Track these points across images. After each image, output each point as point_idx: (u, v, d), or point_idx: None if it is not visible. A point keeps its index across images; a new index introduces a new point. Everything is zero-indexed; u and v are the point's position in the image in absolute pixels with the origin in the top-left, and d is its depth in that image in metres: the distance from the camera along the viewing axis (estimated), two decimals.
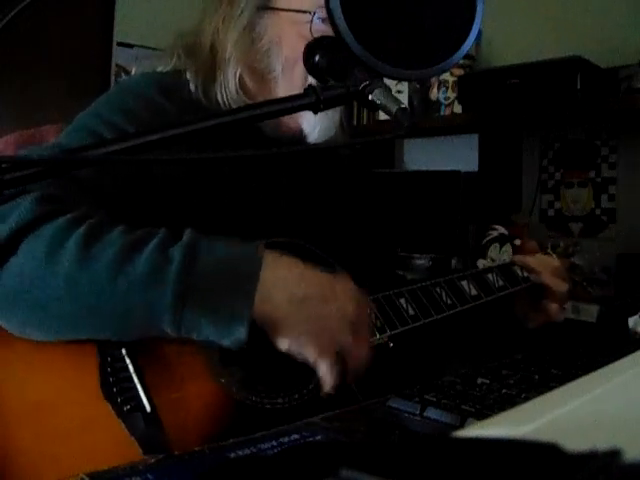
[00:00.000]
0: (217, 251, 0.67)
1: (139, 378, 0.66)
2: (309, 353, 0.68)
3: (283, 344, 0.68)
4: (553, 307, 1.05)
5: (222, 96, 0.88)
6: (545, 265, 1.08)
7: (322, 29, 0.84)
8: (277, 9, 0.87)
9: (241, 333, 0.64)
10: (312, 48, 0.73)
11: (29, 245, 0.63)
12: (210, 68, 0.89)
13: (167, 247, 0.65)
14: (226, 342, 0.65)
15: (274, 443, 0.55)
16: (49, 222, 0.65)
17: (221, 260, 0.66)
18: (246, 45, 0.88)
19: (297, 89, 0.86)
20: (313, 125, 0.90)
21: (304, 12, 0.84)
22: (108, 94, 0.88)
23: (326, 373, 0.68)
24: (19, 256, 0.63)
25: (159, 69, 0.94)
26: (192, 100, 0.88)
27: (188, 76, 0.89)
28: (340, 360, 0.69)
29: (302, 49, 0.83)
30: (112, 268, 0.63)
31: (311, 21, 0.84)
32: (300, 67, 0.85)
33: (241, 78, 0.89)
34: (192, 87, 0.89)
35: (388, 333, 0.79)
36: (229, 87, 0.88)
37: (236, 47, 0.88)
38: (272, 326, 0.67)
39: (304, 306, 0.68)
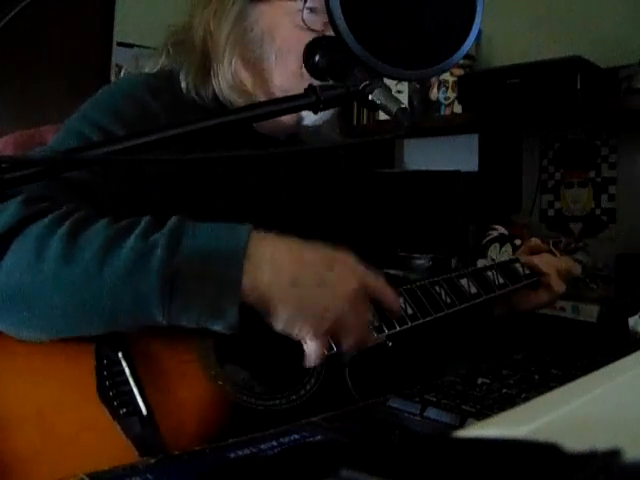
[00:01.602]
0: (202, 233, 0.66)
1: (135, 381, 0.66)
2: (302, 334, 0.67)
3: (277, 325, 0.67)
4: (546, 299, 1.07)
5: (219, 88, 0.88)
6: (551, 266, 1.08)
7: (314, 18, 0.84)
8: None
9: (232, 316, 0.63)
10: (312, 48, 0.73)
11: (17, 246, 0.63)
12: (202, 62, 0.89)
13: (151, 234, 0.64)
14: (218, 326, 0.64)
15: (274, 443, 0.55)
16: (36, 222, 0.65)
17: (206, 242, 0.65)
18: (239, 35, 0.88)
19: (291, 78, 0.86)
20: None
21: (295, 0, 0.84)
22: (95, 96, 0.88)
23: (312, 352, 0.68)
24: (8, 257, 0.63)
25: (146, 70, 0.94)
26: (181, 99, 0.88)
27: (181, 76, 0.89)
28: (335, 338, 0.69)
29: (295, 38, 0.84)
30: (97, 260, 0.62)
31: (303, 9, 0.84)
32: (294, 56, 0.85)
33: (236, 68, 0.89)
34: (183, 85, 0.88)
35: (386, 332, 0.78)
36: (226, 77, 0.88)
37: (229, 37, 0.88)
38: (263, 307, 0.66)
39: (296, 285, 0.66)
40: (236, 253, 0.64)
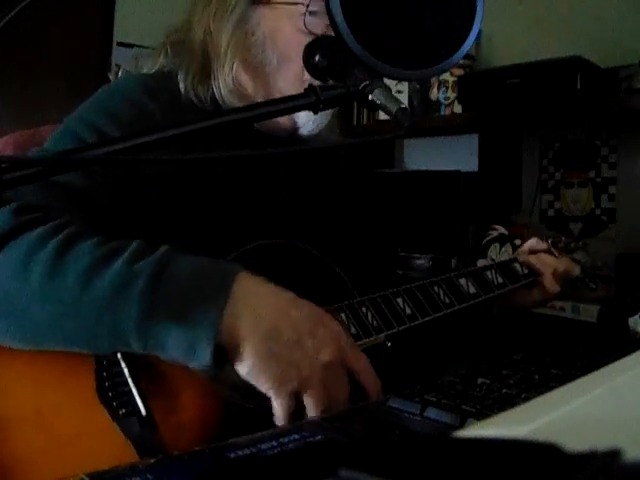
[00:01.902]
0: (188, 268, 0.64)
1: (134, 382, 0.66)
2: (265, 388, 0.64)
3: (241, 370, 0.64)
4: (540, 299, 1.08)
5: (218, 91, 0.88)
6: (547, 266, 1.08)
7: (315, 21, 0.84)
8: (270, 2, 0.87)
9: (205, 356, 0.61)
10: (312, 48, 0.73)
11: (6, 255, 0.63)
12: (203, 65, 0.88)
13: (136, 262, 0.64)
14: (193, 364, 0.62)
15: (274, 443, 0.55)
16: (26, 232, 0.64)
17: (191, 277, 0.64)
18: (240, 39, 0.88)
19: (294, 82, 0.86)
20: (307, 119, 0.89)
21: (296, 4, 0.84)
22: (94, 97, 0.88)
23: (278, 412, 0.64)
24: None
25: (144, 71, 0.94)
26: (180, 100, 0.87)
27: (179, 77, 0.89)
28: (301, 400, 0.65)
29: (297, 42, 0.84)
30: (81, 281, 0.62)
31: (305, 13, 0.84)
32: (296, 60, 0.85)
33: (237, 72, 0.89)
34: (182, 87, 0.88)
35: (385, 333, 0.78)
36: (227, 81, 0.87)
37: (231, 41, 0.87)
38: (234, 349, 0.63)
39: (272, 338, 0.64)
40: (218, 296, 0.63)
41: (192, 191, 0.85)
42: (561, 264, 1.10)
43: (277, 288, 0.67)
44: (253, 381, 0.64)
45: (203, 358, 0.61)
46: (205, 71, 0.89)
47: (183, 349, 0.62)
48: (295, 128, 0.91)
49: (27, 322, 0.63)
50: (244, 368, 0.64)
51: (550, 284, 1.06)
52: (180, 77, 0.89)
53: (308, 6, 0.83)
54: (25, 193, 0.69)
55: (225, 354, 0.63)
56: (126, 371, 0.66)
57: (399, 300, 0.83)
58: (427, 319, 0.85)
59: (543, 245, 1.14)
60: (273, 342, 0.64)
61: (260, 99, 0.89)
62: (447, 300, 0.89)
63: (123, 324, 0.61)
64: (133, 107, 0.84)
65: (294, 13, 0.85)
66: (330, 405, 0.66)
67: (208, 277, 0.65)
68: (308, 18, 0.83)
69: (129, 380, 0.66)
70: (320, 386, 0.65)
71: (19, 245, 0.64)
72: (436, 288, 0.89)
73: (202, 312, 0.62)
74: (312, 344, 0.65)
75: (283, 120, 0.89)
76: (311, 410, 0.65)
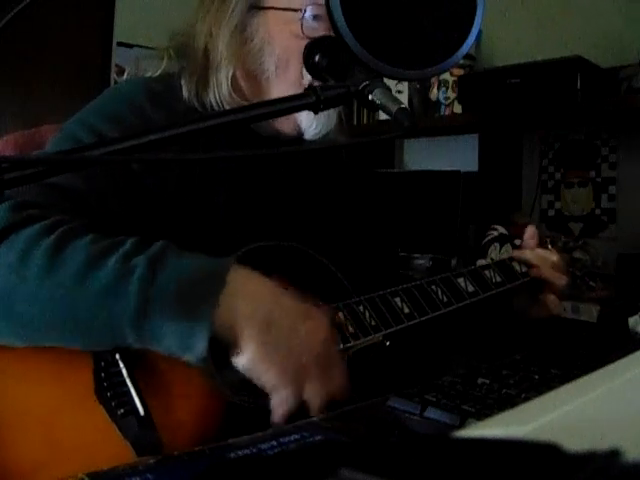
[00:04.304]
0: (182, 261, 0.65)
1: (132, 382, 0.66)
2: (266, 380, 0.64)
3: (241, 362, 0.64)
4: (552, 300, 1.04)
5: (215, 99, 0.87)
6: (544, 259, 1.07)
7: (314, 26, 0.83)
8: (267, 8, 0.86)
9: (200, 346, 0.61)
10: (312, 48, 0.73)
11: (2, 252, 0.64)
12: (204, 72, 0.88)
13: (132, 257, 0.64)
14: (188, 356, 0.63)
15: (274, 443, 0.55)
16: (22, 229, 0.65)
17: (184, 270, 0.64)
18: (237, 46, 0.87)
19: (292, 88, 0.85)
20: (310, 123, 0.89)
21: (295, 10, 0.84)
22: (96, 101, 0.88)
23: (279, 405, 0.64)
24: None
25: (148, 74, 0.93)
26: (183, 106, 0.87)
27: (182, 81, 0.88)
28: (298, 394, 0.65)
29: (294, 47, 0.83)
30: (77, 277, 0.62)
31: (302, 18, 0.83)
32: (294, 66, 0.85)
33: (234, 80, 0.88)
34: (185, 93, 0.87)
35: (383, 332, 0.79)
36: (222, 90, 0.87)
37: (227, 48, 0.87)
38: (232, 340, 0.64)
39: (269, 326, 0.64)
40: (213, 288, 0.64)
41: (193, 193, 0.85)
42: (555, 256, 1.08)
43: (265, 279, 0.68)
44: (252, 373, 0.64)
45: (198, 349, 0.62)
46: (206, 78, 0.88)
47: (179, 340, 0.62)
48: (299, 133, 0.90)
49: (24, 318, 0.63)
50: (243, 359, 0.64)
51: (552, 275, 1.03)
52: (183, 82, 0.88)
53: (305, 11, 0.83)
54: (24, 194, 0.69)
55: (222, 348, 0.63)
56: (124, 371, 0.66)
57: (397, 299, 0.83)
58: (425, 318, 0.85)
59: (534, 237, 1.10)
60: (271, 330, 0.64)
61: None
62: (445, 299, 0.89)
63: (119, 318, 0.62)
64: (136, 112, 0.84)
65: (292, 18, 0.84)
66: (330, 393, 0.66)
67: (202, 269, 0.66)
68: (306, 22, 0.83)
69: (127, 380, 0.66)
70: (319, 373, 0.66)
71: (16, 242, 0.64)
72: (434, 287, 0.90)
73: (197, 302, 0.63)
74: (305, 331, 0.66)
75: (286, 126, 0.89)
76: (313, 400, 0.66)
